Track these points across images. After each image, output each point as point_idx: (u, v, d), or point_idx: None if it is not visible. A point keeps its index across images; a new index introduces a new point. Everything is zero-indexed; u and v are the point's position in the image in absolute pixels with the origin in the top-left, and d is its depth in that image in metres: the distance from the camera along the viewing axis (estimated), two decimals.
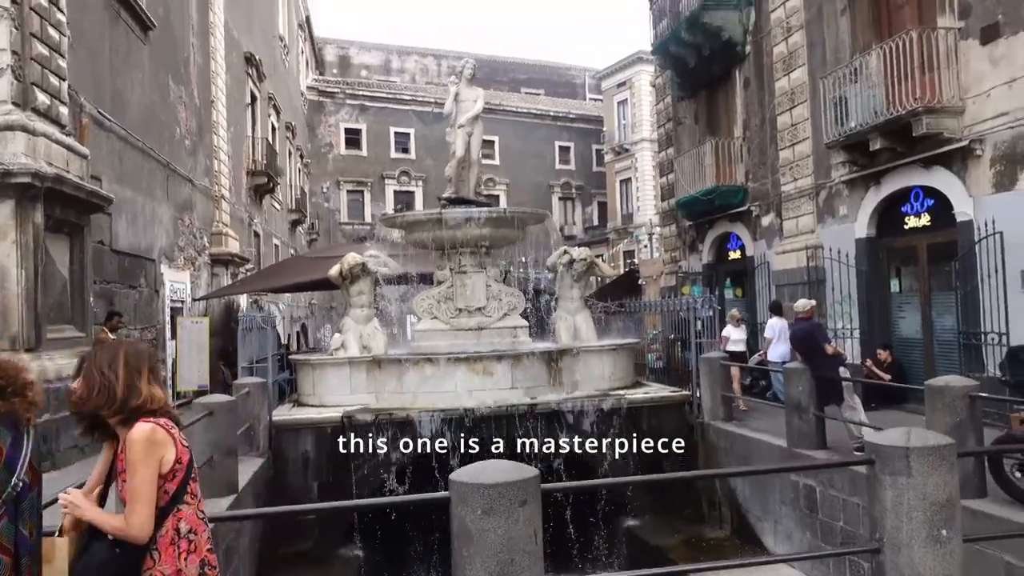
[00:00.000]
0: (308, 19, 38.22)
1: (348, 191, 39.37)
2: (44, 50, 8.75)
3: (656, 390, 11.15)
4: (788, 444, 8.07)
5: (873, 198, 11.26)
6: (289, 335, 21.37)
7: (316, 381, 10.76)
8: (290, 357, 11.61)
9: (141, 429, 2.56)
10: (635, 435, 10.09)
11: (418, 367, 10.40)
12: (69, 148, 9.03)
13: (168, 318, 14.07)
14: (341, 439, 9.47)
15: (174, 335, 14.07)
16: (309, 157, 37.25)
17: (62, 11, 9.22)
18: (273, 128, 25.69)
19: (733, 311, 12.70)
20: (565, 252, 11.87)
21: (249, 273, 18.74)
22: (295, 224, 30.38)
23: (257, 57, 22.18)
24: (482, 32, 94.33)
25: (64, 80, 9.28)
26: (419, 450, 9.56)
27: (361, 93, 39.77)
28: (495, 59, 51.95)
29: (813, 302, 8.90)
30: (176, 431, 2.68)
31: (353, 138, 39.53)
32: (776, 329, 11.35)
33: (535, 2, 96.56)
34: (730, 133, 15.38)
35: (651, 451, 10.16)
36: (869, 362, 10.84)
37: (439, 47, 50.45)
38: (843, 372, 8.11)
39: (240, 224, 20.26)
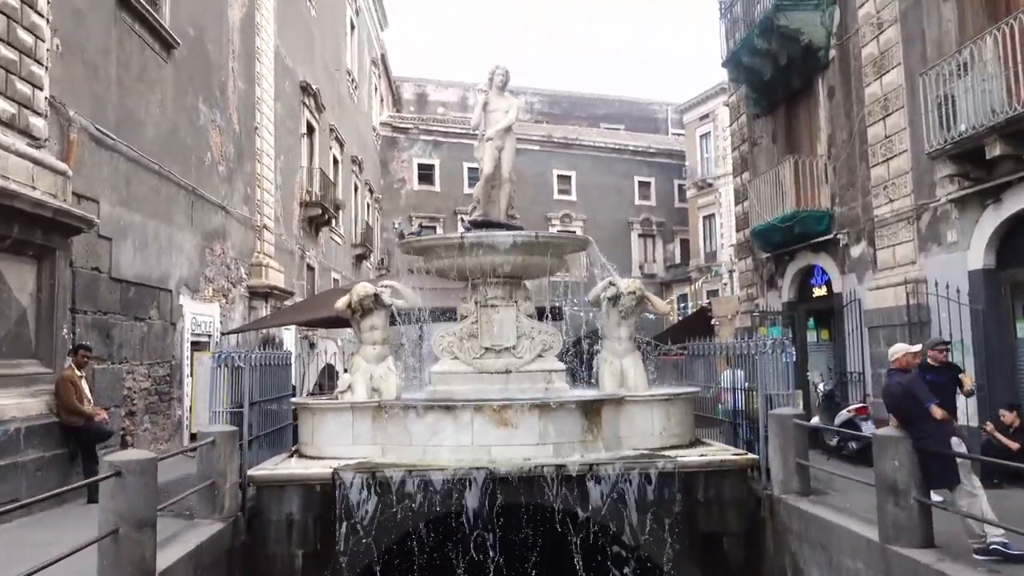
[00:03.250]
0: (383, 56, 38.25)
1: (421, 227, 38.73)
2: (11, 54, 7.90)
3: (716, 451, 9.20)
4: (881, 538, 6.05)
5: (991, 219, 9.10)
6: (337, 373, 20.29)
7: (315, 428, 9.37)
8: (291, 400, 10.31)
9: None
10: (688, 508, 8.26)
11: (428, 416, 8.85)
12: (37, 162, 8.09)
13: (188, 353, 13.14)
14: (334, 500, 8.04)
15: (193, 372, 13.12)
16: (381, 193, 36.91)
17: (40, 14, 8.39)
18: (335, 160, 25.15)
19: None
20: (611, 284, 10.15)
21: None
22: (360, 259, 29.70)
23: (315, 87, 21.64)
24: (562, 69, 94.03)
25: (40, 89, 8.41)
26: (421, 517, 8.00)
27: (435, 129, 39.39)
28: (573, 94, 51.04)
29: (915, 347, 6.85)
30: None
31: (426, 174, 39.07)
32: (729, 381, 9.95)
33: (616, 40, 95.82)
34: (812, 151, 13.39)
35: (709, 531, 8.30)
36: (990, 426, 8.61)
37: (517, 84, 49.79)
38: (956, 443, 6.08)
39: (289, 256, 19.48)
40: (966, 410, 9.24)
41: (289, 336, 18.45)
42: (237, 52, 15.73)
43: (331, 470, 8.13)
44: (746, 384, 9.76)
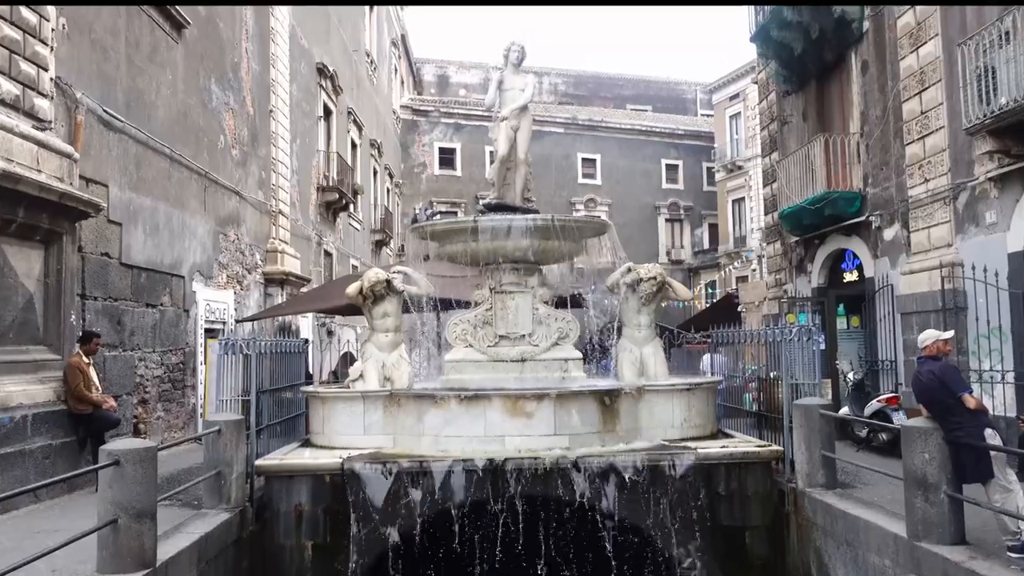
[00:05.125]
0: (404, 38, 37.87)
1: (441, 212, 38.49)
2: (14, 33, 7.72)
3: (738, 443, 8.88)
4: (909, 534, 5.71)
5: None
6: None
7: (326, 418, 9.20)
8: (301, 390, 10.13)
9: None
10: (709, 501, 7.96)
11: (441, 405, 8.62)
12: (42, 145, 7.94)
13: (202, 340, 13.03)
14: (344, 491, 7.86)
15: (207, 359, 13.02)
16: (402, 177, 36.71)
17: None
18: (353, 144, 24.94)
19: None
20: (630, 269, 9.83)
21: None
22: (379, 244, 29.55)
23: (332, 69, 21.39)
24: (587, 49, 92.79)
25: (45, 69, 8.24)
26: (433, 508, 7.79)
27: (456, 111, 38.97)
28: (599, 75, 50.35)
29: (947, 334, 6.44)
30: None
31: (447, 157, 38.75)
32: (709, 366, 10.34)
33: (644, 18, 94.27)
34: (844, 129, 12.87)
35: (729, 524, 7.99)
36: None
37: (541, 65, 49.10)
38: (991, 435, 5.70)
39: (305, 242, 19.34)
40: (1003, 400, 8.83)
41: (306, 323, 18.34)
42: (251, 32, 15.51)
43: (340, 460, 7.94)
44: (725, 370, 10.39)
